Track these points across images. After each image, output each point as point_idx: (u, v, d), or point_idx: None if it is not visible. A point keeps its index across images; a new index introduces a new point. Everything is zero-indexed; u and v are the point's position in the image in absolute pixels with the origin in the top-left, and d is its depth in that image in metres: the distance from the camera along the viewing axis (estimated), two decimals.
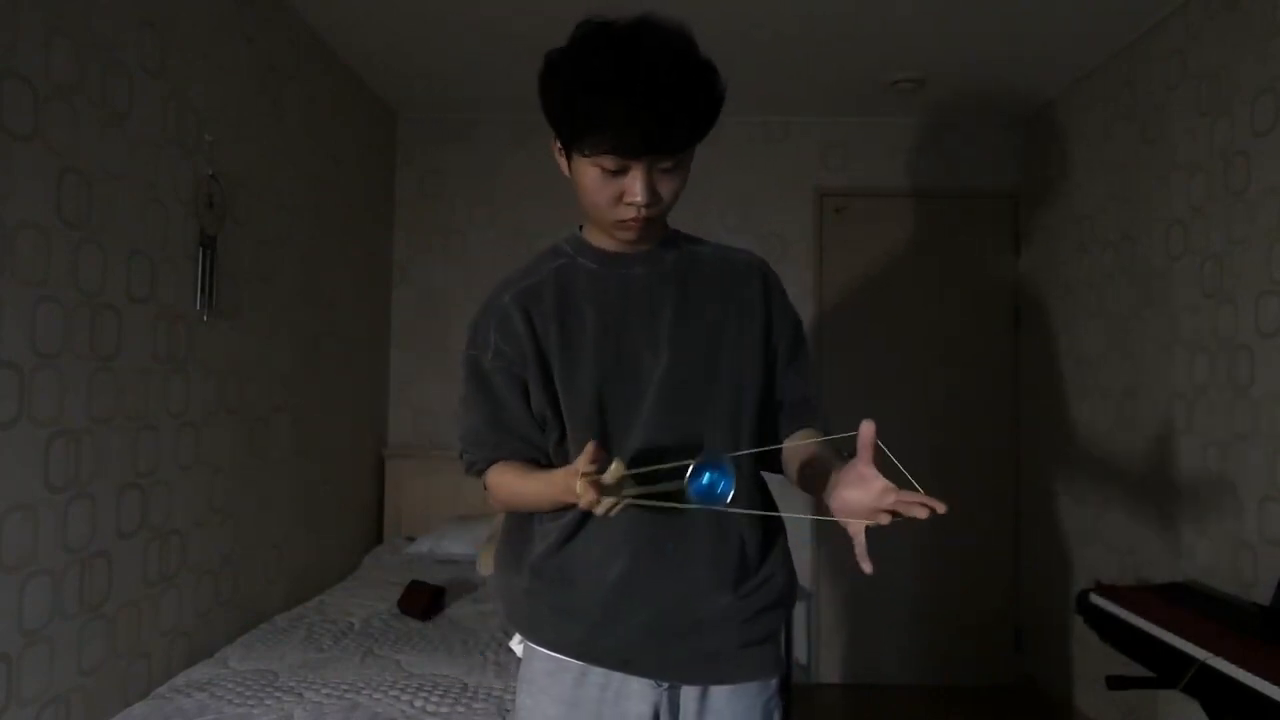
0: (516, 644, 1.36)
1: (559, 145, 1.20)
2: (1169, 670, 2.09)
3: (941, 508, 0.98)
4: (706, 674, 1.24)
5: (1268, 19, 2.42)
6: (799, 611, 3.92)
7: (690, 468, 1.04)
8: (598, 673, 1.24)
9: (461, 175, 4.08)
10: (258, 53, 2.76)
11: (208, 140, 2.45)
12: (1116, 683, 2.30)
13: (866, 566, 1.04)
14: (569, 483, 1.05)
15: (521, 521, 1.32)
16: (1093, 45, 3.18)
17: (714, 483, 1.04)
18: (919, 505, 0.99)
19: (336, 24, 3.13)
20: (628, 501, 1.05)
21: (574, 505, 1.12)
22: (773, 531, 1.33)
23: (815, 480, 1.18)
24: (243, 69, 2.67)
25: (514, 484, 1.25)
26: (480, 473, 1.32)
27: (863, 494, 1.03)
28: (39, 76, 1.81)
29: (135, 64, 2.13)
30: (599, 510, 1.03)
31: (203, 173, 2.42)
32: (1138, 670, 2.35)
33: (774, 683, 1.31)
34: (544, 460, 1.29)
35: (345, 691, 2.14)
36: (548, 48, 1.20)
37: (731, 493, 1.05)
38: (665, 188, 1.18)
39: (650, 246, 1.30)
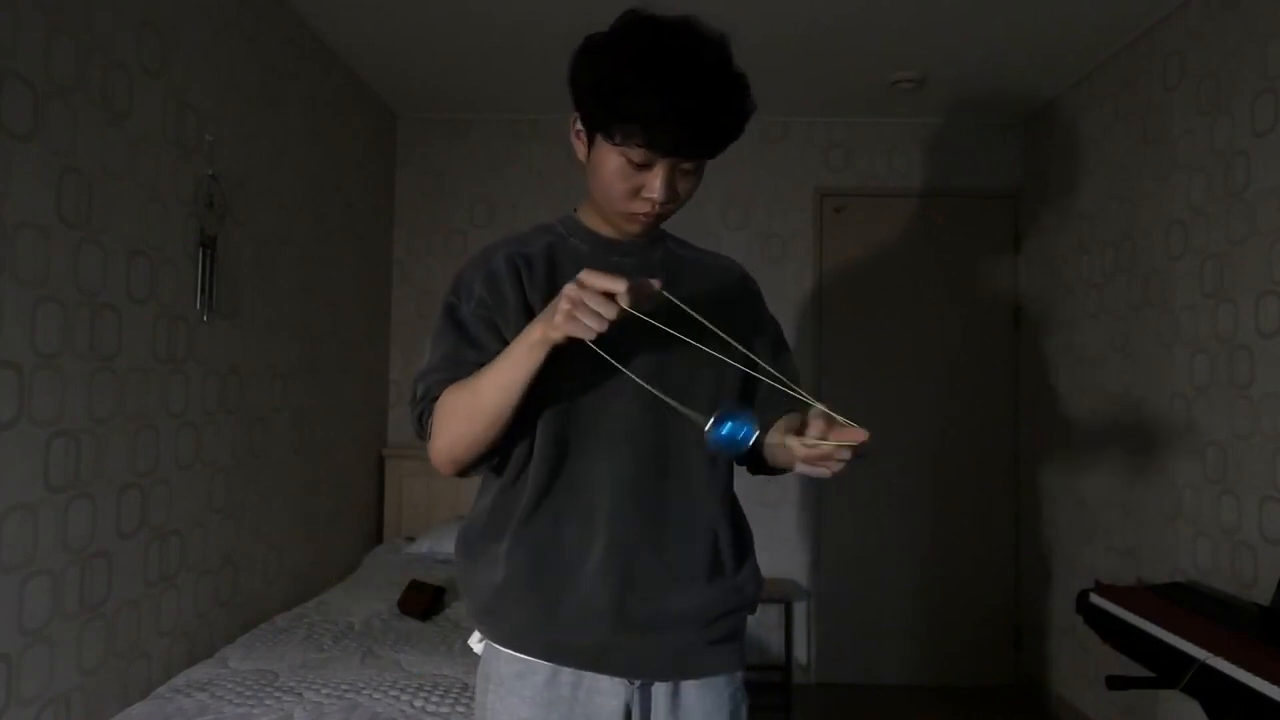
0: (476, 642, 1.33)
1: (579, 127, 1.20)
2: (1169, 670, 2.09)
3: (861, 435, 1.04)
4: (675, 670, 1.24)
5: (1268, 19, 2.42)
6: (799, 611, 3.92)
7: (711, 419, 1.02)
8: (568, 671, 1.22)
9: (461, 175, 4.09)
10: (258, 53, 2.76)
11: (208, 140, 2.45)
12: (1116, 683, 2.30)
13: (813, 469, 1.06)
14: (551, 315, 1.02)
15: (481, 507, 1.28)
16: (1093, 45, 3.18)
17: (735, 430, 1.02)
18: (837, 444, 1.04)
19: (336, 24, 3.13)
20: (614, 315, 1.00)
21: (575, 491, 1.15)
22: (745, 537, 1.33)
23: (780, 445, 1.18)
24: (243, 69, 2.67)
25: (470, 381, 1.15)
26: (434, 400, 1.20)
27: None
28: (39, 76, 1.81)
29: (135, 64, 2.13)
30: (563, 318, 1.00)
31: (203, 173, 2.42)
32: (1138, 670, 2.35)
33: (739, 675, 1.32)
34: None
35: (345, 691, 2.14)
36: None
37: (754, 437, 1.03)
38: (684, 187, 1.20)
39: (643, 239, 1.31)
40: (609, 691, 1.22)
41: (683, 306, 1.07)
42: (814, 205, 4.06)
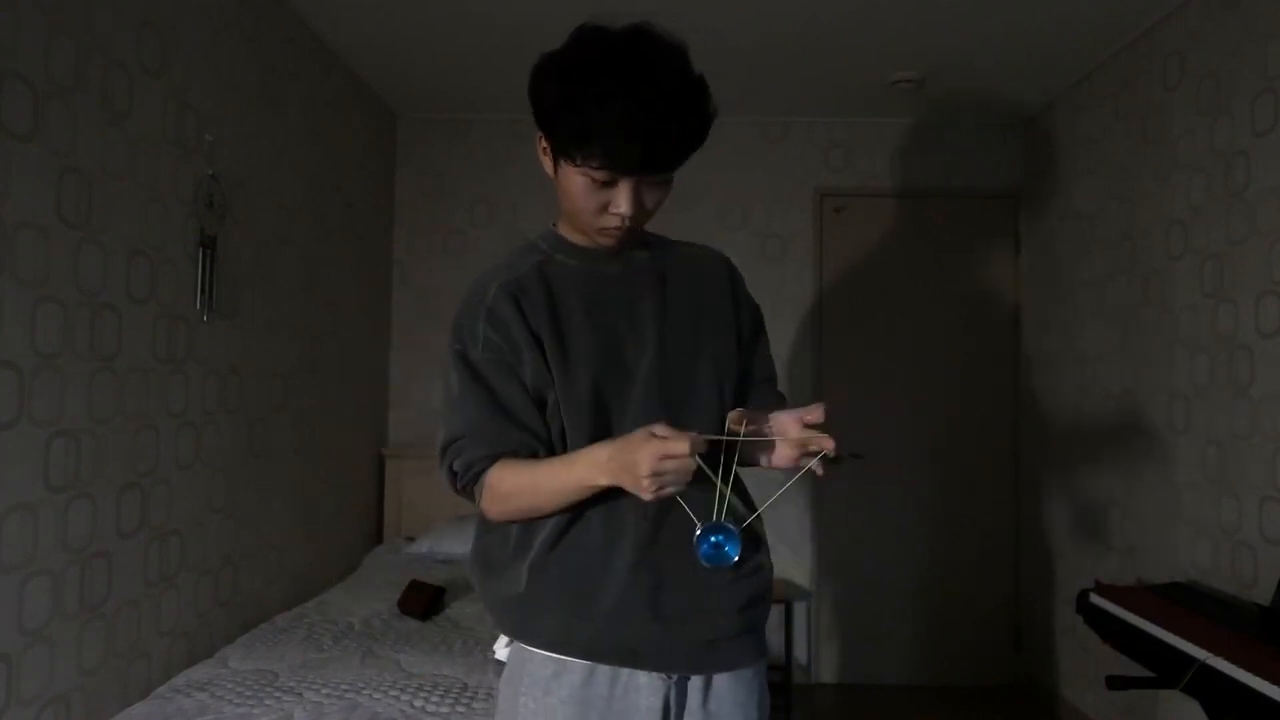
0: (503, 648, 1.33)
1: (545, 146, 1.21)
2: (1169, 670, 2.09)
3: (828, 443, 1.15)
4: (710, 662, 1.25)
5: (1268, 19, 2.42)
6: (799, 611, 3.92)
7: (697, 531, 1.15)
8: (604, 669, 1.23)
9: (461, 175, 4.09)
10: (258, 53, 2.76)
11: (208, 140, 2.45)
12: (1116, 683, 2.30)
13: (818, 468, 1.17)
14: (611, 457, 1.11)
15: (518, 524, 1.29)
16: (1092, 45, 3.18)
17: (720, 544, 1.15)
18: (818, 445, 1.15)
19: (336, 24, 3.13)
20: (674, 491, 1.10)
21: (602, 493, 1.18)
22: (758, 528, 1.36)
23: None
24: (243, 69, 2.67)
25: (530, 474, 1.19)
26: (479, 474, 1.22)
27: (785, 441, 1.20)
28: (39, 76, 1.81)
29: (135, 64, 2.13)
30: (652, 493, 1.08)
31: (203, 173, 2.42)
32: (1138, 670, 2.35)
33: (763, 665, 1.34)
34: (548, 454, 1.25)
35: (345, 691, 2.14)
36: (548, 48, 1.20)
37: (737, 556, 1.16)
38: (651, 199, 1.20)
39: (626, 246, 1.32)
40: (647, 688, 1.23)
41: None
42: (814, 205, 4.06)
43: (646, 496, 1.08)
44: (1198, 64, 2.73)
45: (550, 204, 1.33)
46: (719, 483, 1.14)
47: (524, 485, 1.20)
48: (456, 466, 1.23)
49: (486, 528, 1.32)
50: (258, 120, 2.76)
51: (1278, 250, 2.36)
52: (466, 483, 1.23)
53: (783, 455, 1.20)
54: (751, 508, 1.34)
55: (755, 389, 1.38)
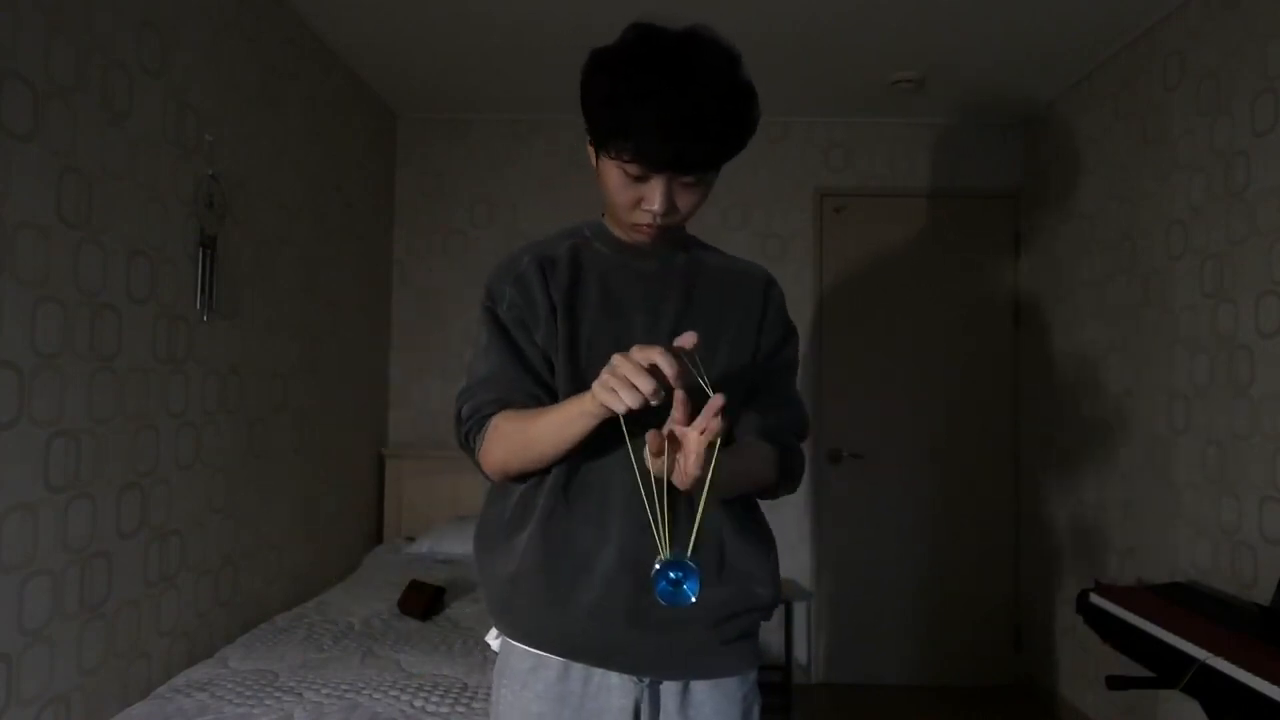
0: (494, 639, 1.35)
1: (590, 137, 1.23)
2: (1169, 670, 2.09)
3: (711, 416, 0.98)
4: (686, 669, 1.25)
5: (1268, 19, 2.42)
6: (799, 611, 3.92)
7: (655, 567, 1.04)
8: (579, 667, 1.24)
9: (461, 175, 4.09)
10: (258, 53, 2.76)
11: (208, 140, 2.45)
12: (1116, 683, 2.30)
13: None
14: (595, 391, 1.03)
15: (503, 502, 1.30)
16: (1092, 45, 3.18)
17: (678, 581, 1.06)
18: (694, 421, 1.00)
19: (336, 24, 3.13)
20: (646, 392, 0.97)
21: (594, 493, 1.17)
22: (761, 542, 1.33)
23: None
24: (243, 69, 2.67)
25: (526, 419, 1.19)
26: (485, 419, 1.23)
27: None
28: (39, 76, 1.81)
29: (135, 64, 2.13)
30: (601, 388, 1.00)
31: (203, 173, 2.42)
32: (1138, 670, 2.35)
33: (752, 676, 1.32)
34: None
35: (345, 691, 2.14)
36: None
37: (695, 596, 1.05)
38: (684, 200, 1.21)
39: (666, 246, 1.33)
40: (619, 689, 1.24)
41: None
42: (814, 205, 4.06)
43: (594, 395, 1.03)
44: (1198, 64, 2.73)
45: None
46: (700, 511, 1.09)
47: (525, 420, 1.19)
48: (465, 411, 1.26)
49: (490, 501, 1.34)
50: (258, 120, 2.76)
51: (1278, 250, 2.36)
52: (470, 428, 1.25)
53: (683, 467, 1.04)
54: (749, 535, 1.31)
55: (750, 412, 1.33)
